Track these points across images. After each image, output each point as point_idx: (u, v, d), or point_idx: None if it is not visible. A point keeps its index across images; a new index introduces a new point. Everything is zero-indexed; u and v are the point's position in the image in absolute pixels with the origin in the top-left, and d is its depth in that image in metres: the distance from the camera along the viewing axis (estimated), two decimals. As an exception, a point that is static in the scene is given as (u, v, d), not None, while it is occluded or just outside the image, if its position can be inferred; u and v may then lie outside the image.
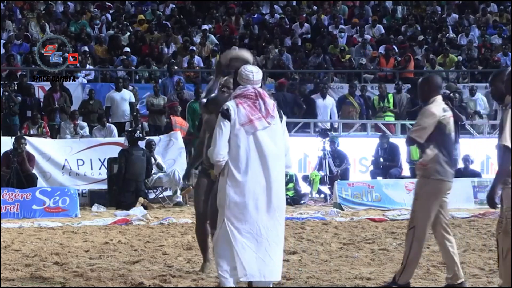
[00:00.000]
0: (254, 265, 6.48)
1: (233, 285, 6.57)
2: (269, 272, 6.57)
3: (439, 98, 7.50)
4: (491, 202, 6.39)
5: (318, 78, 21.80)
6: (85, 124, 18.14)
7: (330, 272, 8.38)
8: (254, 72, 6.73)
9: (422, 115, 7.46)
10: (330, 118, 19.21)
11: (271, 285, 6.69)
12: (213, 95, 7.60)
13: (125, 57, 21.63)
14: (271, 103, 6.67)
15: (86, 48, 21.99)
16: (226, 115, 6.55)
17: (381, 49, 23.52)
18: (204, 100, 7.67)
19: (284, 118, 6.86)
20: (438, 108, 7.41)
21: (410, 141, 7.59)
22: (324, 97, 19.38)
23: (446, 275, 7.56)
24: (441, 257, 7.79)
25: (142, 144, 15.22)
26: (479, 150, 17.00)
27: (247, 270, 6.46)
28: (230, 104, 6.60)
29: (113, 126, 17.87)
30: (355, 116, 19.69)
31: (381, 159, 16.56)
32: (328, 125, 18.49)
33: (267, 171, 6.54)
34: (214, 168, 6.77)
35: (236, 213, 6.50)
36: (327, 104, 19.30)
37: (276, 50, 23.13)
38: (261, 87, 6.78)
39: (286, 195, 15.37)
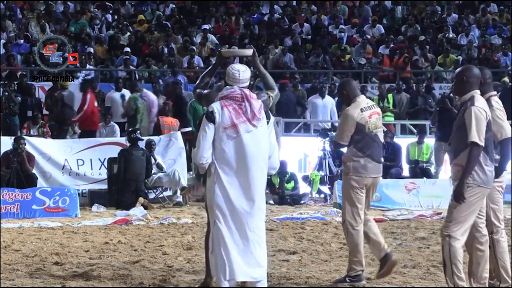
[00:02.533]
0: (243, 266, 6.50)
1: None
2: (256, 274, 6.58)
3: (359, 98, 7.93)
4: (460, 197, 6.60)
5: (318, 78, 21.77)
6: (84, 124, 18.12)
7: (330, 272, 8.38)
8: (240, 71, 6.72)
9: (341, 119, 8.05)
10: (331, 117, 19.17)
11: (260, 285, 6.66)
12: (207, 91, 7.53)
13: (127, 57, 21.62)
14: (257, 104, 6.67)
15: (91, 50, 22.00)
16: (211, 118, 6.56)
17: (383, 49, 23.50)
18: (198, 90, 7.57)
19: (272, 119, 6.87)
20: (356, 110, 7.82)
21: (335, 145, 8.17)
22: (323, 96, 19.35)
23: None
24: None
25: (142, 144, 15.21)
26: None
27: (236, 271, 6.48)
28: (215, 106, 6.61)
29: (116, 126, 17.82)
30: (355, 116, 19.62)
31: (382, 159, 16.47)
32: (328, 125, 18.43)
33: (250, 173, 6.56)
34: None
35: (224, 214, 6.53)
36: (326, 104, 19.26)
37: (277, 50, 23.13)
38: (249, 85, 6.78)
39: (286, 190, 15.44)
